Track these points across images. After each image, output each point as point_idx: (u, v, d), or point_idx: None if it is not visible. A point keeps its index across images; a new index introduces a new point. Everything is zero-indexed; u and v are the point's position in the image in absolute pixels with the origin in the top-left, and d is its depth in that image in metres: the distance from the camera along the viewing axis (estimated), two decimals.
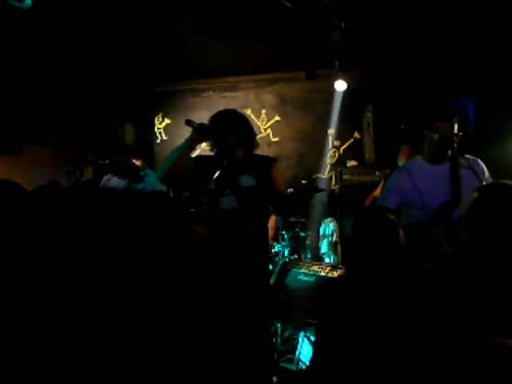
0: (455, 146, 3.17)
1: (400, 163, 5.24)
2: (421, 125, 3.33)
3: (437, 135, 3.15)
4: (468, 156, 3.27)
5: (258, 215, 3.32)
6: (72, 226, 1.37)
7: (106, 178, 4.79)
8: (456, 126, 3.20)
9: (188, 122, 3.18)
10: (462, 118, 5.97)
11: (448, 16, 5.14)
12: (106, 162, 4.44)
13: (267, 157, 3.52)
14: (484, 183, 3.04)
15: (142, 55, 6.41)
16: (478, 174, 3.08)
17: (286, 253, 5.34)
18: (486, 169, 3.28)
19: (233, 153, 3.31)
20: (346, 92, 6.56)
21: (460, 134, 3.20)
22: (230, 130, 3.28)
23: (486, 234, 1.61)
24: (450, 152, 3.21)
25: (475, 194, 1.76)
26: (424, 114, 3.43)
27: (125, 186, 4.23)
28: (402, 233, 2.38)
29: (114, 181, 4.63)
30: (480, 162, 3.30)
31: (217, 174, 3.21)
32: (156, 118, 7.76)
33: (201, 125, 3.19)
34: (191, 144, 3.23)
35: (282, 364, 4.10)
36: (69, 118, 6.66)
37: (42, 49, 5.64)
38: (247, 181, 3.25)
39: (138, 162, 5.51)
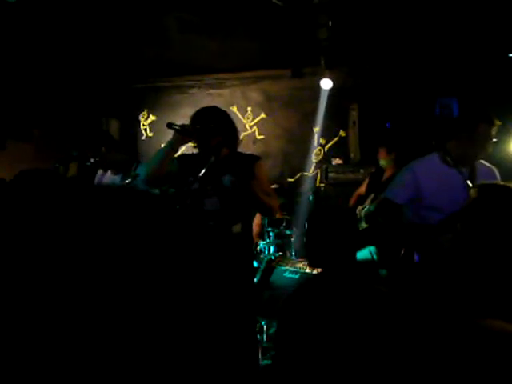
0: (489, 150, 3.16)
1: (381, 163, 5.28)
2: (459, 125, 3.23)
3: (480, 136, 3.09)
4: (485, 162, 3.28)
5: (241, 215, 3.30)
6: (67, 224, 1.35)
7: (99, 173, 4.68)
8: (495, 131, 3.14)
9: (169, 125, 3.15)
10: (446, 117, 6.03)
11: (434, 16, 5.18)
12: (92, 161, 4.41)
13: (251, 155, 3.51)
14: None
15: (127, 51, 6.37)
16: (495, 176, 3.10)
17: (272, 250, 5.34)
18: (499, 178, 3.25)
19: (217, 152, 3.27)
20: (331, 90, 6.58)
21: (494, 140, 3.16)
22: (213, 128, 3.25)
23: (482, 233, 1.62)
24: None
25: (473, 193, 1.76)
26: (465, 116, 3.34)
27: (120, 182, 4.16)
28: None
29: (108, 176, 4.54)
30: (495, 170, 3.30)
31: (201, 174, 3.18)
32: (141, 115, 7.71)
33: (183, 126, 3.19)
34: (174, 146, 3.22)
35: (266, 361, 4.11)
36: (52, 113, 6.59)
37: (26, 44, 5.58)
38: (230, 182, 3.22)
39: None
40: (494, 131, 3.12)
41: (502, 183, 1.74)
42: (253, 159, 3.43)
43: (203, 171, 3.17)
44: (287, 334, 2.15)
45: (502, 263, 1.57)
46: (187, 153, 3.65)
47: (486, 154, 3.14)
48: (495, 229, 1.61)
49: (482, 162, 3.27)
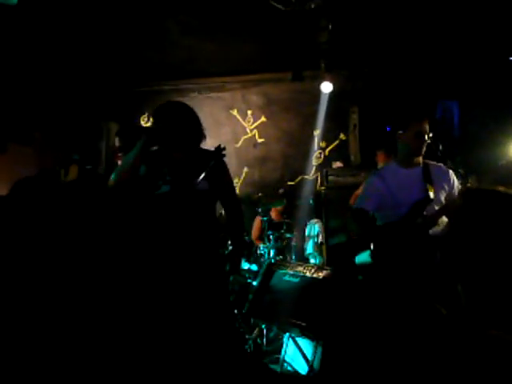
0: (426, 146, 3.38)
1: (380, 166, 5.32)
2: (396, 127, 3.51)
3: (412, 133, 3.34)
4: (434, 163, 3.52)
5: (212, 217, 3.22)
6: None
7: None
8: (427, 126, 3.38)
9: (137, 128, 3.06)
10: (447, 121, 6.05)
11: (434, 20, 5.19)
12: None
13: (213, 151, 3.27)
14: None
15: (128, 55, 6.38)
16: (447, 174, 3.40)
17: (272, 254, 5.34)
18: (451, 175, 3.50)
19: (183, 151, 3.16)
20: (331, 93, 6.59)
21: (431, 135, 3.41)
22: (177, 127, 3.09)
23: (471, 239, 1.62)
24: (421, 159, 3.44)
25: (459, 201, 1.77)
26: (399, 117, 3.59)
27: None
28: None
29: None
30: (443, 167, 3.52)
31: (200, 178, 3.06)
32: (141, 118, 7.71)
33: (149, 128, 3.08)
34: (143, 149, 3.04)
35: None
36: (53, 116, 6.59)
37: (27, 48, 5.59)
38: (202, 184, 3.10)
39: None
40: (424, 126, 3.36)
41: (487, 187, 1.74)
42: (218, 155, 3.24)
43: (203, 175, 3.06)
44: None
45: (492, 267, 1.57)
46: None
47: (421, 150, 3.39)
48: (483, 233, 1.61)
49: (432, 162, 3.52)
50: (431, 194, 3.31)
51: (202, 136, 3.24)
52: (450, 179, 3.46)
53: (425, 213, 3.29)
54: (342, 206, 5.84)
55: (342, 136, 7.01)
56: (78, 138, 6.56)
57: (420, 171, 3.42)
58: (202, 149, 3.26)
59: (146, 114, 7.68)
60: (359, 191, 5.46)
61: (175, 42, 6.06)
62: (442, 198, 3.40)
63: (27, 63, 5.88)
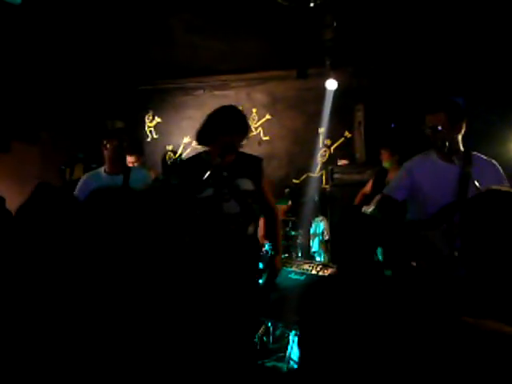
0: (457, 140, 3.14)
1: (385, 164, 5.30)
2: (419, 123, 3.28)
3: (427, 128, 3.15)
4: (484, 157, 3.23)
5: (256, 217, 3.30)
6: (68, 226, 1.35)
7: (102, 175, 4.13)
8: (446, 118, 3.12)
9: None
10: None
11: (440, 16, 5.16)
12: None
13: (254, 156, 3.43)
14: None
15: (133, 53, 6.38)
16: (489, 177, 3.02)
17: None
18: (499, 170, 3.19)
19: (228, 154, 3.18)
20: (336, 91, 6.56)
21: (461, 128, 3.15)
22: (231, 129, 3.14)
23: (479, 240, 1.61)
24: (463, 149, 3.16)
25: (474, 197, 1.75)
26: (419, 112, 3.38)
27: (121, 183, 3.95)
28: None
29: (109, 177, 4.05)
30: (495, 164, 3.22)
31: (211, 178, 3.09)
32: (146, 117, 7.72)
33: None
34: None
35: (273, 363, 4.10)
36: (59, 115, 6.61)
37: (32, 47, 5.60)
38: (246, 184, 3.20)
39: (132, 158, 5.43)
40: (439, 119, 3.12)
41: (504, 188, 1.71)
42: (259, 160, 3.40)
43: (214, 175, 3.10)
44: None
45: (503, 267, 1.56)
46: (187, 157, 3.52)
47: (446, 140, 3.11)
48: (495, 233, 1.60)
49: (481, 156, 3.24)
50: (463, 197, 3.01)
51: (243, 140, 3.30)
52: (496, 177, 3.12)
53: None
54: (347, 204, 5.84)
55: (347, 134, 6.99)
56: (83, 136, 6.58)
57: (460, 168, 3.10)
58: (241, 152, 3.31)
59: (151, 113, 7.69)
60: (364, 190, 5.46)
61: (180, 40, 6.05)
62: None
63: (32, 62, 5.89)
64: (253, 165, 3.33)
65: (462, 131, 3.19)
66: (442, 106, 3.19)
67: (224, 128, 3.12)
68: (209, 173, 3.08)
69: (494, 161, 3.24)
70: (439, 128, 3.10)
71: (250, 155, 3.41)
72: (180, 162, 3.49)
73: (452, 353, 1.36)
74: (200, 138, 3.26)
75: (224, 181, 3.16)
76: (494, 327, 1.34)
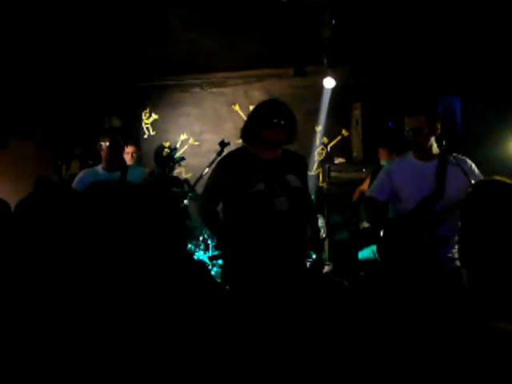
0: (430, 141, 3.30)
1: (382, 163, 5.31)
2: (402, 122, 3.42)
3: (406, 129, 3.31)
4: (456, 155, 3.37)
5: (308, 215, 3.17)
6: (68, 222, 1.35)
7: (100, 171, 4.19)
8: (426, 121, 3.29)
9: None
10: (449, 117, 6.03)
11: (438, 15, 5.16)
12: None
13: (299, 154, 3.42)
14: (472, 181, 3.09)
15: (130, 49, 6.36)
16: (466, 172, 3.16)
17: None
18: (475, 167, 3.37)
19: (275, 149, 3.14)
20: (334, 89, 6.56)
21: (437, 129, 3.32)
22: (280, 124, 3.07)
23: (479, 229, 1.62)
24: (437, 149, 3.33)
25: (469, 190, 1.77)
26: (402, 112, 3.51)
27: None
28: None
29: (106, 174, 4.10)
30: (468, 160, 3.40)
31: (261, 173, 3.04)
32: (143, 113, 7.70)
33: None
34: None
35: None
36: (55, 111, 6.59)
37: (28, 43, 5.57)
38: (295, 181, 3.13)
39: (130, 149, 5.57)
40: (418, 121, 3.28)
41: (497, 178, 1.73)
42: (303, 157, 3.40)
43: (265, 170, 3.04)
44: None
45: (500, 258, 1.56)
46: (229, 153, 3.34)
47: (420, 146, 3.31)
48: (490, 223, 1.60)
49: (456, 155, 3.39)
50: (442, 190, 3.23)
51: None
52: (470, 173, 3.27)
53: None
54: (344, 202, 5.84)
55: (344, 132, 6.99)
56: (79, 133, 6.56)
57: (435, 165, 3.31)
58: (285, 149, 3.26)
59: (148, 109, 7.67)
60: (362, 187, 5.47)
61: (178, 36, 6.04)
62: (456, 195, 3.17)
63: (28, 59, 5.87)
64: (298, 162, 3.27)
65: (438, 132, 3.35)
66: (422, 109, 3.38)
67: (267, 122, 3.06)
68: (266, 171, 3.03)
69: (467, 158, 3.41)
70: (421, 130, 3.27)
71: (294, 152, 3.37)
72: (229, 156, 3.30)
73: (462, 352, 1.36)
74: (245, 133, 3.22)
75: (275, 176, 3.08)
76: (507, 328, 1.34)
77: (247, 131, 3.20)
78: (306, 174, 3.26)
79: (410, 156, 3.44)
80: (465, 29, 5.40)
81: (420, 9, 5.13)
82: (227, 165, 3.18)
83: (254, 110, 3.23)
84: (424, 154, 3.34)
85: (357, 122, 6.78)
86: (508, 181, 1.67)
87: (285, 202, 3.02)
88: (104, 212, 1.34)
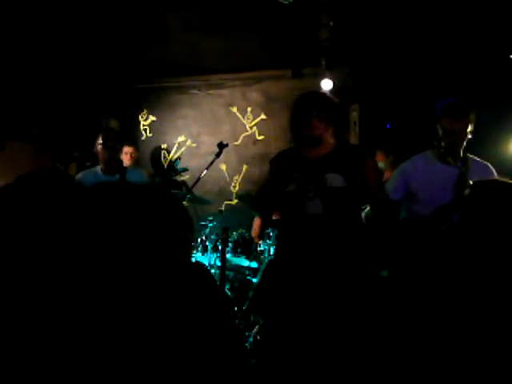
0: (464, 144, 3.14)
1: (379, 165, 5.31)
2: (433, 118, 3.26)
3: (445, 131, 3.13)
4: (478, 160, 3.27)
5: (348, 220, 2.82)
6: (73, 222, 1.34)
7: (99, 173, 4.23)
8: (470, 127, 3.16)
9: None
10: None
11: (435, 16, 5.17)
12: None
13: (359, 148, 3.11)
14: None
15: (128, 51, 6.35)
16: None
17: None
18: (495, 173, 3.24)
19: (317, 145, 2.85)
20: (332, 91, 6.56)
21: (469, 136, 3.16)
22: (315, 117, 2.80)
23: (478, 230, 1.62)
24: (461, 153, 3.13)
25: (467, 191, 1.77)
26: (436, 109, 3.35)
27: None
28: None
29: (104, 176, 4.14)
30: (490, 167, 3.28)
31: (297, 172, 2.81)
32: (141, 115, 7.69)
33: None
34: None
35: None
36: (53, 114, 6.57)
37: (26, 44, 5.56)
38: (335, 180, 2.76)
39: (128, 149, 5.60)
40: (460, 125, 3.14)
41: (496, 179, 1.73)
42: (362, 154, 2.91)
43: (301, 169, 2.81)
44: None
45: (498, 258, 1.56)
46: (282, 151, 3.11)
47: (460, 146, 3.13)
48: (489, 224, 1.61)
49: (476, 158, 3.28)
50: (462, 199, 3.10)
51: (345, 129, 3.02)
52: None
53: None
54: None
55: None
56: (77, 135, 6.55)
57: (457, 169, 3.11)
58: (342, 144, 2.96)
59: (145, 111, 7.66)
60: None
61: (175, 38, 6.03)
62: None
63: (25, 60, 5.86)
64: (349, 157, 2.85)
65: (470, 137, 3.21)
66: (468, 111, 3.21)
67: (297, 117, 2.85)
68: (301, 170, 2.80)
69: (489, 164, 3.30)
70: (463, 134, 3.12)
71: (352, 146, 3.10)
72: (276, 155, 3.11)
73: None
74: (291, 134, 2.96)
75: (310, 176, 2.79)
76: None
77: (291, 131, 2.95)
78: (356, 170, 2.79)
79: (433, 157, 3.28)
80: (462, 30, 5.40)
81: (417, 10, 5.14)
82: (272, 164, 3.05)
83: (292, 106, 2.98)
84: (452, 157, 3.14)
85: (354, 123, 6.78)
86: (508, 181, 1.67)
87: (319, 205, 2.74)
88: (105, 213, 1.34)
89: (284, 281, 2.82)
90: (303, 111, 2.86)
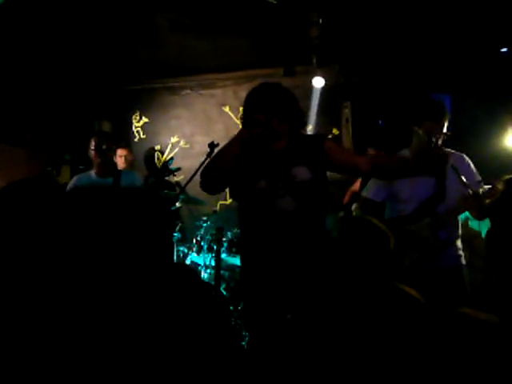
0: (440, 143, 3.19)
1: None
2: (410, 120, 3.29)
3: (425, 134, 3.03)
4: (454, 151, 3.34)
5: (319, 214, 2.78)
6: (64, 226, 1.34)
7: (93, 176, 4.25)
8: (446, 126, 3.22)
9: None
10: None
11: (426, 12, 5.18)
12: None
13: (315, 135, 3.08)
14: (464, 180, 3.09)
15: (119, 52, 6.34)
16: (458, 173, 3.13)
17: None
18: (472, 165, 3.33)
19: (279, 138, 2.74)
20: (324, 88, 6.57)
21: (448, 133, 3.24)
22: (271, 109, 2.68)
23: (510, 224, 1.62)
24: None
25: (501, 187, 1.76)
26: (414, 111, 3.39)
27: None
28: (392, 243, 2.30)
29: (98, 179, 4.16)
30: (466, 158, 3.36)
31: (265, 168, 2.71)
32: (133, 117, 7.68)
33: (252, 119, 2.66)
34: (237, 140, 2.69)
35: None
36: (45, 116, 6.56)
37: (17, 48, 5.55)
38: (302, 174, 2.69)
39: (123, 152, 5.59)
40: (441, 128, 3.19)
41: None
42: (319, 140, 2.82)
43: (267, 164, 2.70)
44: None
45: None
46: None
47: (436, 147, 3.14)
48: None
49: (452, 151, 3.34)
50: (443, 191, 3.15)
51: (302, 120, 2.90)
52: (468, 171, 3.25)
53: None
54: (335, 201, 5.83)
55: (334, 131, 6.99)
56: (70, 137, 6.54)
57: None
58: (303, 135, 2.91)
59: (138, 113, 7.65)
60: (354, 187, 5.47)
61: (166, 39, 6.02)
62: (456, 195, 3.17)
63: (18, 64, 5.84)
64: (309, 146, 2.77)
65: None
66: (444, 113, 3.26)
67: (253, 107, 2.71)
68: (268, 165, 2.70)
69: (464, 155, 3.39)
70: (442, 134, 3.17)
71: (310, 135, 3.05)
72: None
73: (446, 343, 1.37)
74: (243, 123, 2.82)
75: (278, 172, 2.70)
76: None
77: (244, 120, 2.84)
78: (318, 158, 2.71)
79: (406, 153, 3.25)
80: (453, 26, 5.42)
81: (408, 7, 5.15)
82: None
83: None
84: None
85: (347, 120, 6.79)
86: None
87: (290, 202, 2.67)
88: (94, 217, 1.34)
89: (260, 288, 2.73)
90: (252, 105, 2.75)
